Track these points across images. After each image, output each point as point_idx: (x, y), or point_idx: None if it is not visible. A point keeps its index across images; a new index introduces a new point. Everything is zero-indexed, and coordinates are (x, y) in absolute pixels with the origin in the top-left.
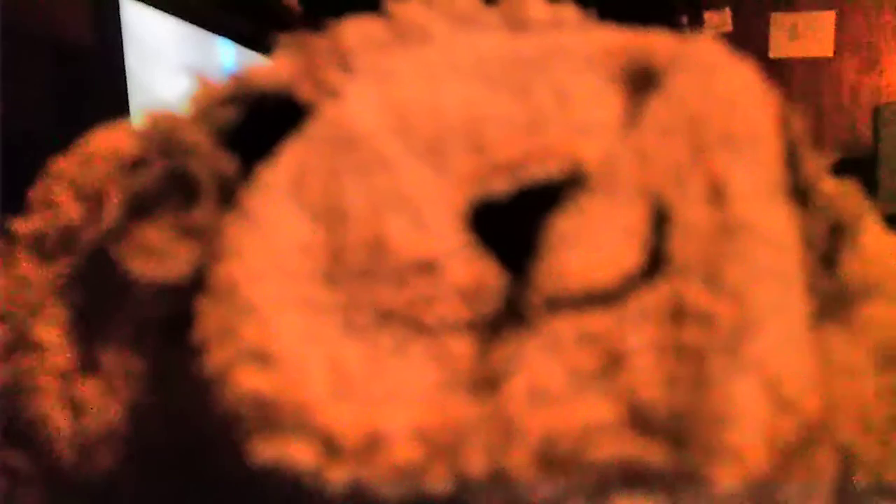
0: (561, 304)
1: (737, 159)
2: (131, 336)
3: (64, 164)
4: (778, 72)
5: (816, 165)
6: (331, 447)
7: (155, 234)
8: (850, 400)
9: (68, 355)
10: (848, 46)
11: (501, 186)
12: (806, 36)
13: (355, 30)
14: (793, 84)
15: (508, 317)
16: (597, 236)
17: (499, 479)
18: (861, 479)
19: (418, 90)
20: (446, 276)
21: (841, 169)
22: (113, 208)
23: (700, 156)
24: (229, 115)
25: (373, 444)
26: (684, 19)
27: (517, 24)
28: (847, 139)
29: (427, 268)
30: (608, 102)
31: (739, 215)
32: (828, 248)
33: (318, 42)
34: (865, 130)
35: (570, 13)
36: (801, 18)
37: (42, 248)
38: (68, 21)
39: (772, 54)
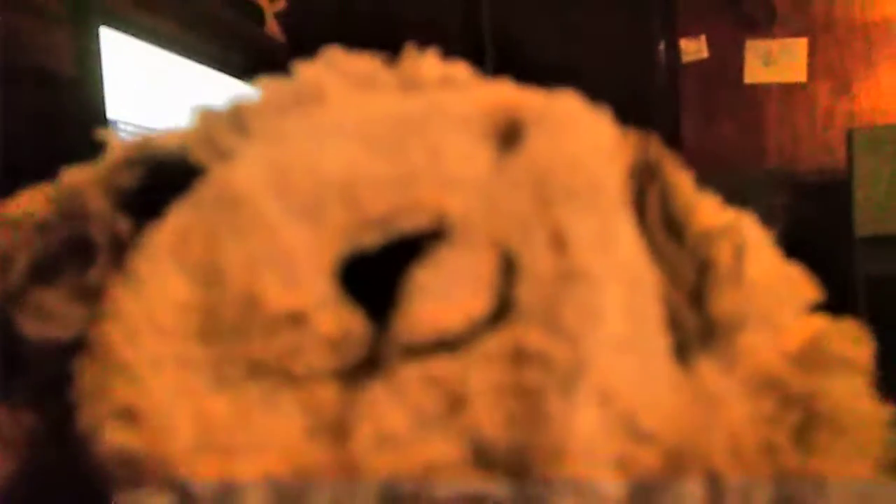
0: (412, 351)
1: (578, 212)
2: (28, 395)
3: None
4: (753, 97)
5: (688, 205)
6: (187, 497)
7: (51, 297)
8: (721, 428)
9: None
10: (821, 72)
11: (372, 240)
12: (780, 62)
13: (260, 92)
14: (768, 109)
15: (372, 364)
16: (448, 286)
17: None
18: None
19: (302, 152)
20: (314, 327)
21: (817, 192)
22: (15, 271)
23: (545, 209)
24: (130, 178)
25: (226, 494)
26: (661, 46)
27: (410, 83)
28: (822, 162)
29: (296, 319)
30: (477, 158)
31: (578, 263)
32: (697, 282)
33: (222, 108)
34: (840, 154)
35: (462, 72)
36: (775, 45)
37: None
38: (50, 51)
39: (747, 80)
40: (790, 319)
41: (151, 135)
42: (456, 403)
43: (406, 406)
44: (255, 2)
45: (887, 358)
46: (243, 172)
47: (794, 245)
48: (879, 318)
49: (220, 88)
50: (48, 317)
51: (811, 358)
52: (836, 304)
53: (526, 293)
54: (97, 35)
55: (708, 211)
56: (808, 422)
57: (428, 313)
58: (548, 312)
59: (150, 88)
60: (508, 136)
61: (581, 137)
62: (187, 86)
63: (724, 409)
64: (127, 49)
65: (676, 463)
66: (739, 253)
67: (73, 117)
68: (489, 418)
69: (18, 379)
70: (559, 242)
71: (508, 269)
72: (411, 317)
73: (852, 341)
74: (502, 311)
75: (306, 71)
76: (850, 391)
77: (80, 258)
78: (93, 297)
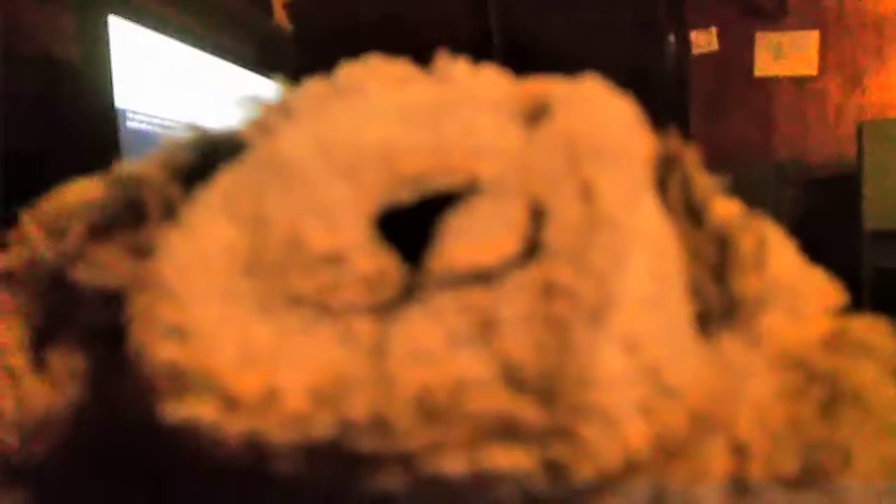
0: (447, 282)
1: (605, 168)
2: (78, 341)
3: (39, 207)
4: (763, 90)
5: (708, 195)
6: (230, 403)
7: (105, 251)
8: (748, 399)
9: (22, 358)
10: (832, 65)
11: (407, 196)
12: (790, 55)
13: (303, 88)
14: (778, 102)
15: (407, 301)
16: (482, 228)
17: (379, 426)
18: (756, 473)
19: (343, 126)
20: (351, 266)
21: (826, 185)
22: (73, 236)
23: (574, 165)
24: (183, 156)
25: (268, 399)
26: (671, 39)
27: (444, 81)
28: (832, 156)
29: (334, 259)
30: (508, 132)
31: (605, 212)
32: (718, 262)
33: (270, 98)
34: (850, 147)
35: (491, 71)
36: (786, 38)
37: (12, 278)
38: (57, 39)
39: (757, 73)
40: (815, 312)
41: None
42: (487, 328)
43: (440, 327)
44: None
45: None
46: (288, 141)
47: (802, 238)
48: (887, 311)
49: (228, 78)
50: (101, 268)
51: (836, 343)
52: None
53: (555, 236)
54: (105, 23)
55: (730, 206)
56: (834, 398)
57: (462, 249)
58: (575, 252)
59: (157, 77)
60: (535, 115)
61: (607, 109)
62: (195, 75)
63: (748, 380)
64: (135, 38)
65: (702, 427)
66: (762, 244)
67: (81, 106)
68: (518, 343)
69: (70, 323)
70: (587, 193)
71: (539, 218)
72: (447, 253)
73: (879, 332)
74: (533, 253)
75: (348, 70)
76: (876, 376)
77: (133, 221)
78: (144, 252)
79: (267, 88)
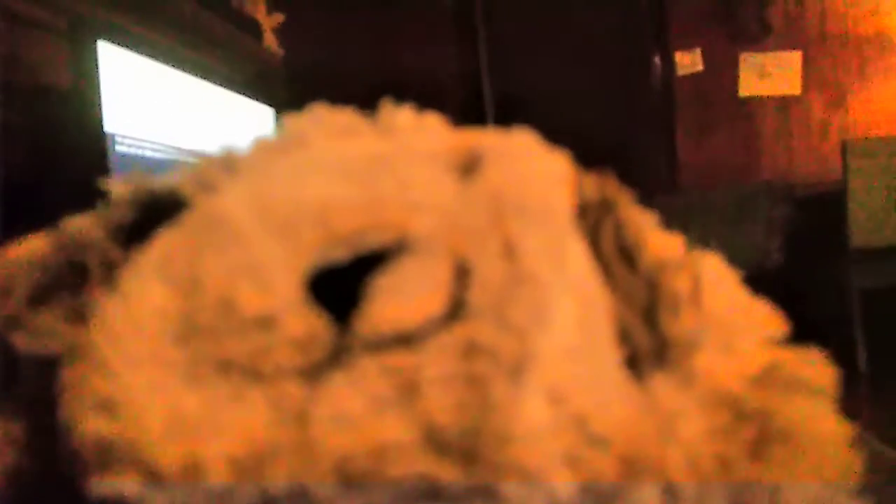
0: (372, 346)
1: (528, 225)
2: (17, 408)
3: None
4: (748, 109)
5: (641, 237)
6: (154, 476)
7: (46, 317)
8: (676, 440)
9: None
10: (815, 84)
11: (340, 254)
12: (774, 75)
13: (252, 144)
14: (762, 121)
15: (335, 364)
16: (407, 288)
17: (300, 495)
18: None
19: (282, 183)
20: (282, 329)
21: (812, 204)
22: (14, 299)
23: (497, 222)
24: (124, 214)
25: (190, 472)
26: (656, 60)
27: (386, 131)
28: (816, 174)
29: (266, 322)
30: (441, 186)
31: (527, 269)
32: (649, 304)
33: (216, 154)
34: (834, 165)
35: (434, 121)
36: (770, 58)
37: None
38: (47, 64)
39: (742, 93)
40: (750, 348)
41: (148, 176)
42: (410, 391)
43: (363, 391)
44: (252, 16)
45: (880, 367)
46: (227, 199)
47: (789, 257)
48: (873, 329)
49: (217, 101)
50: (41, 334)
51: (768, 379)
52: (830, 315)
53: (478, 295)
54: (95, 48)
55: (665, 245)
56: (763, 437)
57: (388, 311)
58: (497, 311)
59: (147, 102)
60: (469, 168)
61: (532, 164)
62: (185, 99)
63: (678, 422)
64: (124, 62)
65: (631, 471)
66: (696, 283)
67: (71, 130)
68: (440, 405)
69: (10, 392)
70: (509, 251)
71: (464, 276)
72: (372, 314)
73: (813, 366)
74: (457, 312)
75: (292, 123)
76: (808, 411)
77: (74, 283)
78: (84, 317)
79: (255, 112)
